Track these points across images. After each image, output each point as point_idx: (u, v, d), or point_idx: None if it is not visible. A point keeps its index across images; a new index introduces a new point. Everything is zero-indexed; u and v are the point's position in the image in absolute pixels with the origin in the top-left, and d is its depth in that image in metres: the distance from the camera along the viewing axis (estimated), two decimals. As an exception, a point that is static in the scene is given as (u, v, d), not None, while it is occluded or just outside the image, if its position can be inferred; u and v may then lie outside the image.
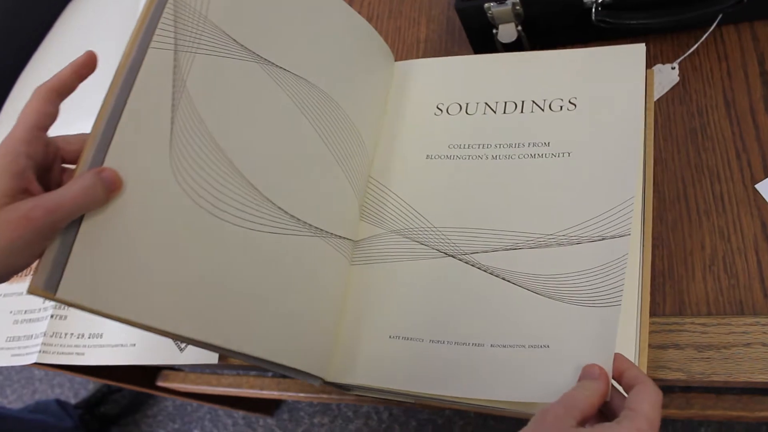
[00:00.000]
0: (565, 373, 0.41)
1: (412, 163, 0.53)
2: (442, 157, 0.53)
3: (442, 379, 0.44)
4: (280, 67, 0.47)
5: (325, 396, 0.79)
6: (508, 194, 0.49)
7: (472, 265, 0.47)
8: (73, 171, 0.37)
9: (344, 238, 0.50)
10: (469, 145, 0.52)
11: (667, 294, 0.48)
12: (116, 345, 0.64)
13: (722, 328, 0.45)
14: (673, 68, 0.56)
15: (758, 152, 0.50)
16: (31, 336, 0.66)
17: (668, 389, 0.59)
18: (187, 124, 0.41)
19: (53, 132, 0.39)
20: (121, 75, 0.38)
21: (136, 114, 0.38)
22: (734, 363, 0.44)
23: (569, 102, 0.51)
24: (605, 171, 0.47)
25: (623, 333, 0.44)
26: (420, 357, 0.46)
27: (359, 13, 0.62)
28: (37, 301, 0.66)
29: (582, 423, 0.35)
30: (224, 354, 0.43)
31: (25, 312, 0.68)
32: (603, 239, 0.45)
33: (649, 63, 0.56)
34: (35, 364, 0.64)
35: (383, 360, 0.47)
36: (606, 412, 0.38)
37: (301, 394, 0.83)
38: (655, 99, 0.55)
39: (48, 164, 0.39)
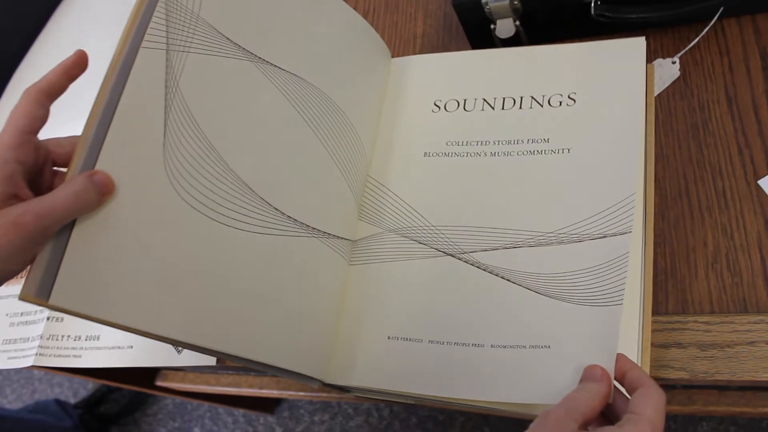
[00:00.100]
0: (567, 373, 0.40)
1: (410, 161, 0.53)
2: (441, 154, 0.52)
3: (441, 380, 0.44)
4: (275, 66, 0.47)
5: (324, 395, 0.79)
6: (507, 192, 0.49)
7: (472, 264, 0.47)
8: (64, 174, 0.36)
9: (342, 238, 0.49)
10: (467, 142, 0.52)
11: (670, 292, 0.47)
12: (113, 347, 0.63)
13: (725, 327, 0.45)
14: (673, 63, 0.55)
15: (761, 148, 0.49)
16: (28, 339, 0.65)
17: (670, 386, 0.58)
18: (180, 125, 0.40)
19: (44, 134, 0.38)
20: (112, 76, 0.38)
21: (128, 115, 0.38)
22: (738, 362, 0.44)
23: (568, 97, 0.51)
24: (605, 167, 0.47)
25: (625, 332, 0.43)
26: (419, 358, 0.45)
27: (355, 8, 0.61)
28: (33, 304, 0.66)
29: (584, 426, 0.35)
30: (221, 358, 0.42)
31: (22, 314, 0.67)
32: (604, 237, 0.44)
33: (650, 57, 0.55)
34: (32, 366, 0.64)
35: (382, 361, 0.46)
36: (608, 414, 0.38)
37: (301, 393, 0.83)
38: (655, 94, 0.54)
39: (38, 168, 0.38)
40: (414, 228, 0.50)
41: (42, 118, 0.37)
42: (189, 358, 0.59)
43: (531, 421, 0.35)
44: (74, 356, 0.63)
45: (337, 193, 0.50)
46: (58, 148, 0.39)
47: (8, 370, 1.61)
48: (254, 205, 0.43)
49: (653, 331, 0.45)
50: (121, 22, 0.39)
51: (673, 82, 0.54)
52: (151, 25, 0.39)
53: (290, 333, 0.45)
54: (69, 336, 0.64)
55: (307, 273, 0.46)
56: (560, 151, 0.49)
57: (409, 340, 0.46)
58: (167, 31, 0.40)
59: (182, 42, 0.41)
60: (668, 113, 0.53)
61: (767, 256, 0.46)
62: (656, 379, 0.45)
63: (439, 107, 0.54)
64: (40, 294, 0.33)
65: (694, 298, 0.46)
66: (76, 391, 1.54)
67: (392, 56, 0.58)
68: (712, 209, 0.49)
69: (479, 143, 0.51)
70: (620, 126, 0.48)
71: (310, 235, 0.47)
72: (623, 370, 0.38)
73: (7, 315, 0.68)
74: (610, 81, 0.50)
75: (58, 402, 1.37)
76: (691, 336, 0.45)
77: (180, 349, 0.59)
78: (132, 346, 0.63)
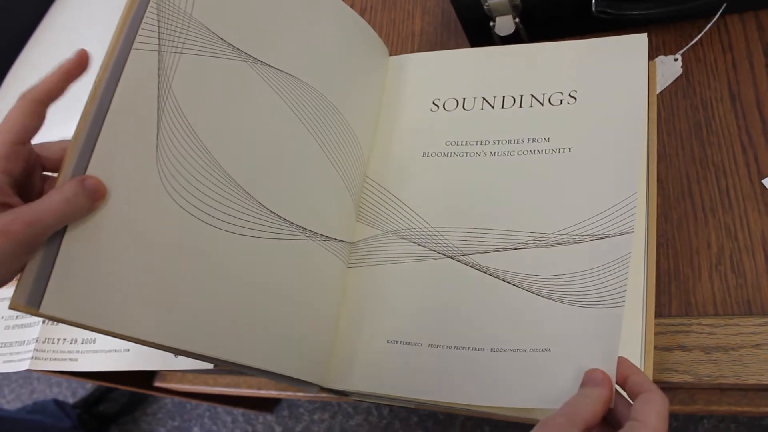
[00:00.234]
0: (567, 377, 0.39)
1: (409, 161, 0.52)
2: (440, 154, 0.51)
3: (441, 385, 0.43)
4: (270, 66, 0.46)
5: (324, 395, 0.78)
6: (507, 192, 0.48)
7: (472, 267, 0.46)
8: (54, 180, 0.36)
9: (340, 240, 0.49)
10: (466, 142, 0.51)
11: (673, 294, 0.46)
12: (110, 350, 0.63)
13: (730, 329, 0.44)
14: (675, 60, 0.54)
15: (765, 146, 0.48)
16: (23, 342, 0.65)
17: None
18: (173, 128, 0.39)
19: (36, 137, 0.37)
20: (103, 78, 0.37)
21: (120, 119, 0.37)
22: (742, 365, 0.43)
23: (569, 95, 0.50)
24: (607, 167, 0.46)
25: (628, 335, 0.43)
26: (419, 362, 0.44)
27: (352, 5, 0.60)
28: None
29: None
30: (217, 364, 0.41)
31: (17, 317, 0.67)
32: (606, 237, 0.43)
33: (651, 55, 0.54)
34: (28, 370, 0.63)
35: (381, 365, 0.46)
36: (610, 419, 0.37)
37: (300, 393, 0.82)
38: (657, 92, 0.53)
39: (28, 173, 0.37)
40: (413, 230, 0.49)
41: (35, 128, 0.36)
42: (186, 362, 0.58)
43: (532, 425, 0.35)
44: (70, 359, 0.63)
45: (335, 195, 0.49)
46: (48, 152, 0.38)
47: (6, 370, 1.61)
48: (250, 209, 0.43)
49: (656, 333, 0.45)
50: (116, 21, 0.38)
51: (676, 80, 0.54)
52: (143, 25, 0.38)
53: (287, 338, 0.44)
54: (65, 339, 0.64)
55: (305, 276, 0.46)
56: (561, 150, 0.48)
57: (409, 344, 0.45)
58: (159, 32, 0.39)
59: (175, 43, 0.40)
60: (670, 112, 0.53)
61: (772, 257, 0.45)
62: (660, 382, 0.44)
63: (437, 106, 0.54)
64: (30, 303, 0.33)
65: (698, 300, 0.46)
66: (74, 391, 1.54)
67: (390, 54, 0.58)
68: (716, 209, 0.48)
69: (479, 143, 0.50)
70: (622, 125, 0.47)
71: (307, 238, 0.46)
72: (625, 375, 0.37)
73: (2, 318, 0.67)
74: (612, 78, 0.49)
75: (56, 402, 1.37)
76: (695, 339, 0.44)
77: (177, 352, 0.59)
78: (129, 349, 0.62)
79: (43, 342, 0.64)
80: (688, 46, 0.54)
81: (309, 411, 1.31)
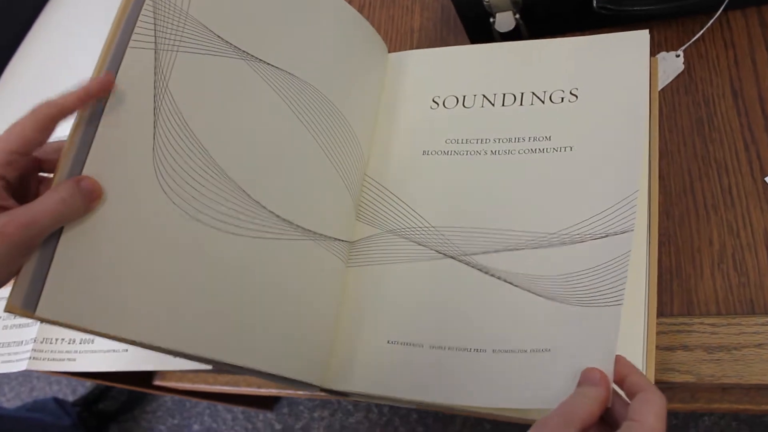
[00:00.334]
0: (567, 377, 0.39)
1: (409, 160, 0.51)
2: (440, 153, 0.51)
3: (443, 386, 0.43)
4: (268, 64, 0.45)
5: (323, 394, 0.78)
6: (508, 191, 0.47)
7: (473, 267, 0.46)
8: (50, 181, 0.35)
9: (339, 239, 0.48)
10: (467, 140, 0.50)
11: (675, 293, 0.46)
12: (108, 350, 0.62)
13: (732, 329, 0.44)
14: (677, 56, 0.54)
15: (767, 143, 0.48)
16: (21, 342, 0.64)
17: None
18: (170, 127, 0.39)
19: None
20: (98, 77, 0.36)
21: (116, 118, 0.36)
22: (745, 365, 0.43)
23: (570, 93, 0.49)
24: (608, 165, 0.45)
25: (630, 334, 0.42)
26: (420, 363, 0.44)
27: (350, 2, 0.60)
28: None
29: None
30: (215, 366, 0.41)
31: (15, 317, 0.66)
32: (606, 236, 0.43)
33: (653, 51, 0.54)
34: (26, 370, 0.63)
35: (382, 366, 0.45)
36: (607, 418, 0.37)
37: (300, 392, 0.82)
38: (659, 88, 0.53)
39: (24, 175, 0.37)
40: (414, 229, 0.49)
41: (40, 142, 0.35)
42: (185, 362, 0.58)
43: (529, 425, 0.34)
44: (69, 360, 0.62)
45: (334, 194, 0.49)
46: (44, 153, 0.37)
47: (6, 368, 1.60)
48: (248, 209, 0.42)
49: (658, 333, 0.44)
50: (113, 17, 0.38)
51: (677, 76, 0.53)
52: (139, 23, 0.38)
53: (286, 339, 0.43)
54: (63, 339, 0.63)
55: (304, 276, 0.45)
56: (562, 149, 0.47)
57: (410, 344, 0.45)
58: (155, 30, 0.39)
59: (171, 41, 0.39)
60: (672, 108, 0.52)
61: (775, 255, 0.45)
62: (662, 382, 0.44)
63: (437, 104, 0.53)
64: (26, 305, 0.32)
65: (700, 298, 0.45)
66: (74, 389, 1.54)
67: (389, 51, 0.57)
68: (718, 207, 0.47)
69: (479, 141, 0.50)
70: (623, 122, 0.47)
71: (306, 237, 0.45)
72: (623, 374, 0.36)
73: (0, 318, 0.67)
74: (613, 75, 0.49)
75: (56, 400, 1.36)
76: (697, 338, 0.44)
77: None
78: (127, 350, 0.62)
79: (41, 342, 0.63)
80: (690, 42, 0.54)
81: (309, 408, 1.31)
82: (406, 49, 0.58)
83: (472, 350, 0.43)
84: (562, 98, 0.49)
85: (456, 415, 1.19)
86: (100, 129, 0.36)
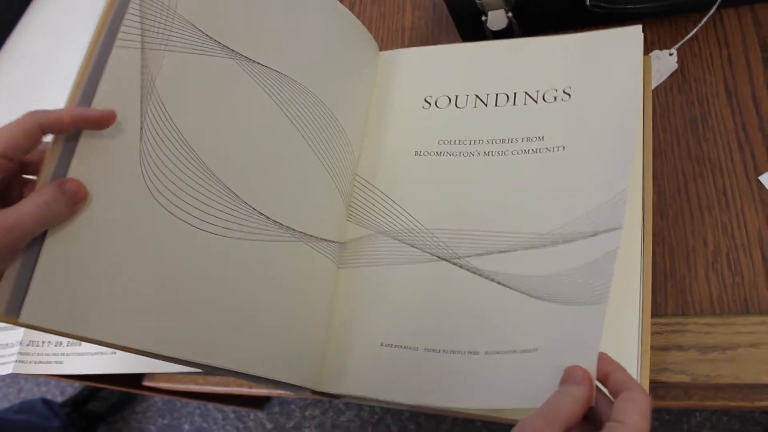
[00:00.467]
0: (552, 376, 0.38)
1: (400, 160, 0.51)
2: (432, 153, 0.50)
3: (437, 389, 0.42)
4: (258, 63, 0.44)
5: (315, 397, 0.77)
6: (502, 193, 0.47)
7: (467, 270, 0.45)
8: (34, 183, 0.34)
9: (330, 241, 0.48)
10: (459, 141, 0.50)
11: (669, 293, 0.46)
12: (96, 353, 0.61)
13: (727, 328, 0.43)
14: (671, 55, 0.53)
15: (762, 143, 0.48)
16: (7, 345, 0.63)
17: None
18: (157, 128, 0.38)
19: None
20: (83, 77, 0.35)
21: None
22: (740, 364, 0.42)
23: (563, 92, 0.49)
24: (601, 164, 0.45)
25: (624, 335, 0.42)
26: (413, 366, 0.43)
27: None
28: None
29: None
30: (204, 369, 0.40)
31: None
32: (595, 234, 0.42)
33: (646, 49, 0.54)
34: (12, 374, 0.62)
35: (375, 369, 0.45)
36: (591, 417, 0.36)
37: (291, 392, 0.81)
38: (652, 87, 0.52)
39: (6, 178, 0.36)
40: (406, 231, 0.48)
41: (27, 149, 0.34)
42: (174, 365, 0.57)
43: (512, 425, 0.33)
44: (56, 362, 0.61)
45: (325, 195, 0.48)
46: (28, 155, 0.37)
47: (-6, 369, 1.59)
48: (238, 211, 0.41)
49: (652, 333, 0.44)
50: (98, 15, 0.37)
51: (671, 75, 0.53)
52: (125, 22, 0.37)
53: (277, 341, 0.43)
54: (50, 342, 0.62)
55: (295, 278, 0.45)
56: (555, 149, 0.47)
57: (403, 347, 0.44)
58: (142, 29, 0.38)
59: (159, 40, 0.38)
60: (666, 107, 0.52)
61: (769, 255, 0.45)
62: (656, 382, 0.44)
63: (429, 104, 0.52)
64: (9, 311, 0.32)
65: (695, 298, 0.45)
66: (63, 390, 1.52)
67: (380, 49, 0.56)
68: (712, 207, 0.47)
69: (472, 142, 0.49)
70: (616, 121, 0.46)
71: (297, 239, 0.45)
72: (606, 372, 0.35)
73: (-15, 320, 0.66)
74: (606, 73, 0.48)
75: (44, 401, 1.35)
76: (691, 338, 0.44)
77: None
78: (115, 352, 0.61)
79: (27, 345, 0.62)
80: (684, 40, 0.53)
81: (300, 407, 1.30)
82: (397, 48, 0.58)
83: (466, 353, 0.42)
84: (555, 97, 0.49)
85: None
86: (85, 130, 0.35)
